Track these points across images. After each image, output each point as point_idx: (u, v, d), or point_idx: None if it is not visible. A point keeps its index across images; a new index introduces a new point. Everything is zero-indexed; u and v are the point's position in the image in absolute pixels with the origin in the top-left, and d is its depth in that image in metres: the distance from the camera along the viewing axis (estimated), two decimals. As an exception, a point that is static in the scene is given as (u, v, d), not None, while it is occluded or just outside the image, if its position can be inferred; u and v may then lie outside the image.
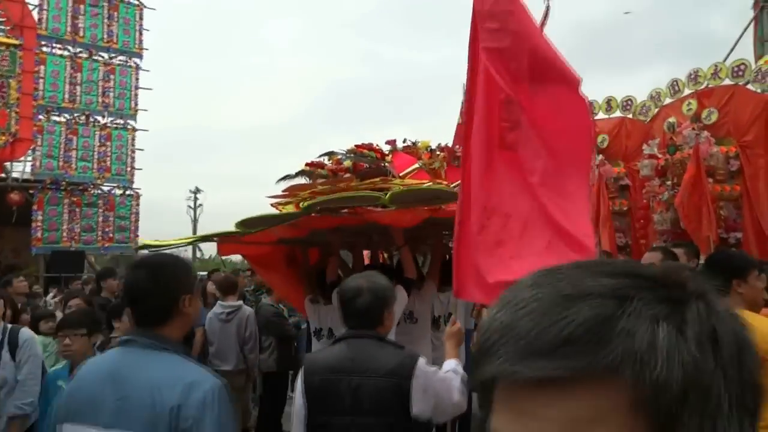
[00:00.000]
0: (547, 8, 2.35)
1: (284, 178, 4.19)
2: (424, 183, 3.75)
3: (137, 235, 16.27)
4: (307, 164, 4.10)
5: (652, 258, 3.24)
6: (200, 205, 33.70)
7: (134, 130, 16.97)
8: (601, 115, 10.45)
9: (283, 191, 4.07)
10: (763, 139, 8.00)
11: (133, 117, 16.94)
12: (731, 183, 8.20)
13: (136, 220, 16.64)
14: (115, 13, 16.93)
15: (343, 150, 4.00)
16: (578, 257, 1.86)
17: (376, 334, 2.26)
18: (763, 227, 7.86)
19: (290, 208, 3.88)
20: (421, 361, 2.20)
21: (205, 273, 12.22)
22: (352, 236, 4.10)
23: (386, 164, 3.92)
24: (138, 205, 16.85)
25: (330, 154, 3.95)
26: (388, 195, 3.19)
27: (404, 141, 4.25)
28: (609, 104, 10.28)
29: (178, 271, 1.83)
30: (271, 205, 4.20)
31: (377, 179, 3.63)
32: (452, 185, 3.59)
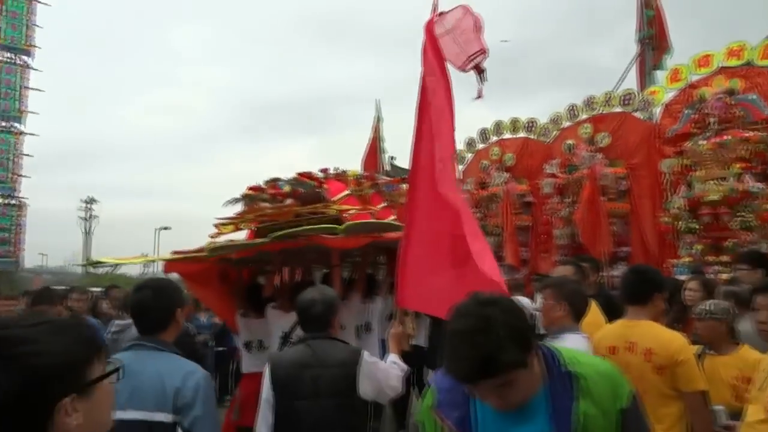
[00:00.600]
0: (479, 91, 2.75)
1: (230, 202, 4.54)
2: (370, 213, 4.36)
3: (21, 249, 14.79)
4: (249, 188, 4.47)
5: (565, 271, 3.41)
6: (95, 216, 31.36)
7: (20, 133, 15.50)
8: (507, 135, 11.02)
9: (236, 214, 4.46)
10: (647, 162, 8.80)
11: (20, 119, 15.47)
12: (621, 201, 8.91)
13: (21, 232, 15.13)
14: (1, 6, 15.46)
15: (287, 177, 4.46)
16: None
17: (329, 334, 2.75)
18: (647, 242, 8.61)
19: (230, 228, 4.36)
20: (365, 354, 2.72)
21: (100, 289, 11.29)
22: (290, 256, 4.50)
23: (322, 191, 4.33)
24: (23, 215, 15.34)
25: (275, 180, 4.41)
26: (343, 227, 3.69)
27: (336, 169, 4.74)
28: (514, 125, 10.86)
29: (174, 290, 2.34)
30: (214, 225, 4.54)
31: (319, 204, 4.14)
32: (391, 218, 4.29)
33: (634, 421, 1.51)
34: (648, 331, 2.72)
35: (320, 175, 4.61)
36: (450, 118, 2.60)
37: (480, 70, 2.65)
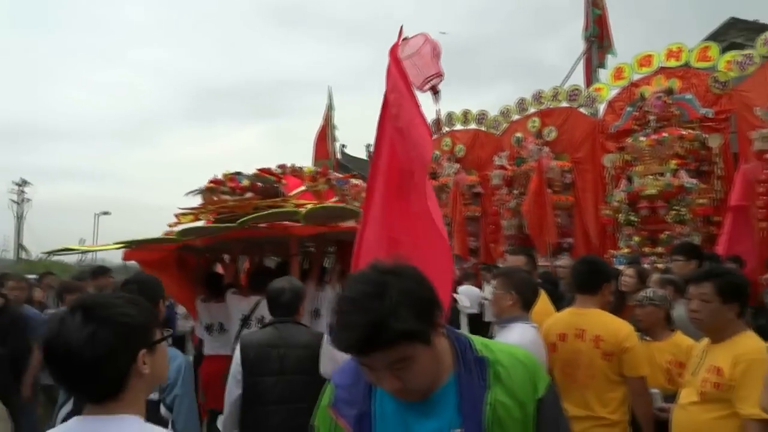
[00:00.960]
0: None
1: (191, 193, 4.78)
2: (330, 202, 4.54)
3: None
4: (210, 181, 4.67)
5: (517, 261, 3.49)
6: (28, 200, 29.45)
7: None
8: (459, 126, 11.15)
9: (199, 204, 4.70)
10: (591, 157, 9.12)
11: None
12: (566, 194, 9.22)
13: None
14: None
15: (248, 173, 4.65)
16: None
17: (295, 319, 3.04)
18: (589, 234, 8.95)
19: (190, 218, 4.56)
20: (327, 337, 2.74)
21: (34, 276, 10.62)
22: (248, 246, 4.84)
23: (280, 186, 4.54)
24: (-54, 197, 14.26)
25: (235, 174, 4.60)
26: (305, 211, 3.79)
27: (292, 165, 4.96)
28: (465, 116, 11.00)
29: (156, 284, 2.60)
30: (175, 215, 4.76)
31: (277, 199, 4.36)
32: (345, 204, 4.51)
33: (551, 412, 1.33)
34: (597, 319, 2.84)
35: (278, 171, 4.80)
36: (424, 129, 2.67)
37: (435, 91, 2.85)
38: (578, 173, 9.20)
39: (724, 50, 8.24)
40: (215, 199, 4.68)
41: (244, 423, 2.86)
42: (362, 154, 24.96)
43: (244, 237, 4.32)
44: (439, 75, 2.83)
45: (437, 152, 11.19)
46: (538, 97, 9.87)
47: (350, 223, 3.97)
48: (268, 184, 4.62)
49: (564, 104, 9.54)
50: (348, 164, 22.56)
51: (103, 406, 1.25)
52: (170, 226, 4.71)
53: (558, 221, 8.94)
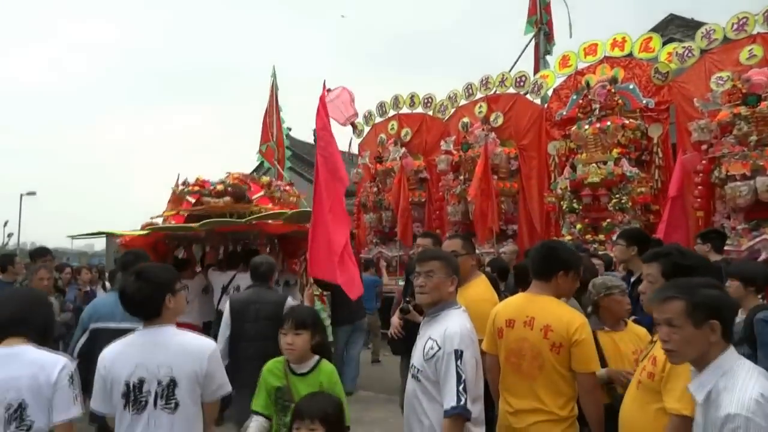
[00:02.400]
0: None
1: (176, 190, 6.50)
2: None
3: None
4: (181, 184, 6.37)
5: (453, 245, 3.29)
6: None
7: None
8: (405, 110, 10.92)
9: (185, 205, 6.24)
10: (536, 144, 9.12)
11: None
12: (511, 180, 9.20)
13: None
14: None
15: (220, 178, 6.37)
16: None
17: (268, 285, 4.32)
18: (534, 221, 8.99)
19: (170, 214, 6.32)
20: (289, 297, 4.33)
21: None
22: (217, 236, 6.67)
23: (245, 190, 6.18)
24: None
25: (219, 182, 6.33)
26: (288, 215, 5.70)
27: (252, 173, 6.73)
28: (412, 100, 10.77)
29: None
30: (162, 214, 6.48)
31: (245, 202, 6.12)
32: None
33: None
34: (547, 307, 2.65)
35: (245, 178, 6.48)
36: (339, 157, 4.32)
37: (354, 126, 5.87)
38: (524, 160, 9.20)
39: (664, 44, 8.40)
40: (188, 198, 6.10)
41: (231, 353, 3.98)
42: (309, 138, 24.39)
43: (230, 230, 6.09)
44: (355, 115, 4.43)
45: (383, 136, 10.94)
46: (485, 82, 9.76)
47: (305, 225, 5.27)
48: (238, 189, 6.13)
49: (511, 90, 9.48)
50: (293, 147, 21.97)
51: (151, 322, 2.32)
52: (152, 218, 6.42)
53: (503, 208, 8.93)
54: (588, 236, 7.63)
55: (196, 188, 6.15)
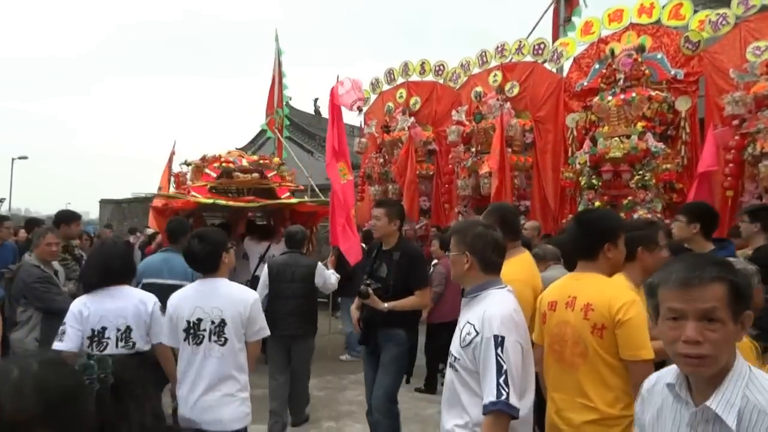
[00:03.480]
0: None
1: (183, 164, 7.75)
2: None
3: None
4: (202, 158, 7.29)
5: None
6: None
7: None
8: (415, 78, 10.40)
9: (218, 180, 6.93)
10: (553, 116, 8.65)
11: None
12: (525, 154, 8.76)
13: None
14: None
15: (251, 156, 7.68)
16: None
17: (301, 251, 4.99)
18: (548, 197, 8.57)
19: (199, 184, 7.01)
20: (320, 263, 5.00)
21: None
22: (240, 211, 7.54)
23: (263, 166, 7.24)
24: None
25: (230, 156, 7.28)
26: (323, 200, 7.33)
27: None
28: (423, 67, 10.24)
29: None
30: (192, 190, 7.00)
31: (264, 178, 7.10)
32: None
33: None
34: (590, 284, 2.27)
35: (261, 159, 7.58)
36: (345, 144, 5.48)
37: (360, 109, 7.11)
38: (539, 133, 8.73)
39: (695, 11, 7.85)
40: (207, 171, 6.94)
41: (268, 311, 3.89)
42: (309, 108, 23.76)
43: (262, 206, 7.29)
44: (361, 99, 5.52)
45: (391, 104, 10.45)
46: (501, 49, 9.23)
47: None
48: (262, 167, 7.20)
49: (528, 59, 8.96)
50: (293, 118, 21.37)
51: (209, 274, 2.81)
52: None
53: (515, 183, 8.50)
54: (607, 214, 7.23)
55: (224, 164, 6.96)
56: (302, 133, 20.92)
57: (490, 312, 1.99)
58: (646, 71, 7.34)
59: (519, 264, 2.88)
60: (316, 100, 25.12)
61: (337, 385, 6.16)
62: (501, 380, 1.88)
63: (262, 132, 23.29)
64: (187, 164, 7.63)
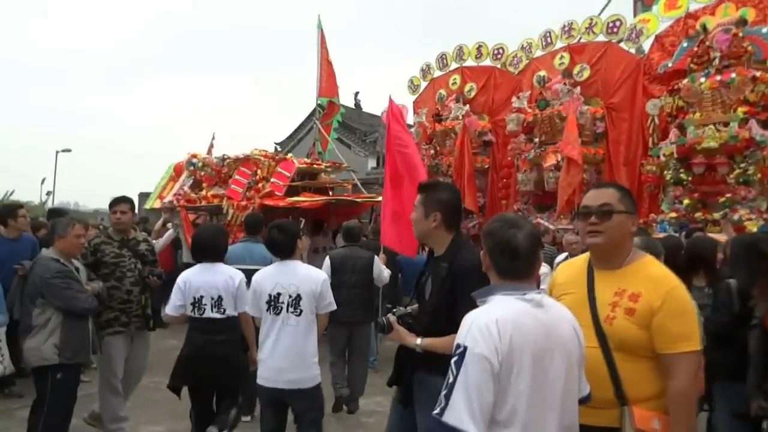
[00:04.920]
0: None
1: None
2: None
3: None
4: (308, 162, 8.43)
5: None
6: None
7: None
8: (470, 63, 9.54)
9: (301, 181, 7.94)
10: (629, 102, 7.65)
11: None
12: (595, 146, 7.79)
13: None
14: None
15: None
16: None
17: (360, 244, 5.30)
18: (621, 194, 7.59)
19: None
20: (376, 257, 5.13)
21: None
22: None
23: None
24: None
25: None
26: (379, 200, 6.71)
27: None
28: (479, 51, 9.38)
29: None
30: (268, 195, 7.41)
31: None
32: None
33: None
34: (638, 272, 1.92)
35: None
36: (418, 158, 5.04)
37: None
38: (612, 121, 7.75)
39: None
40: (280, 170, 7.52)
41: None
42: (349, 102, 23.11)
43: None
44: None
45: (443, 92, 9.62)
46: (568, 29, 8.28)
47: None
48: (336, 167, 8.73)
49: (601, 38, 7.98)
50: (359, 116, 20.82)
51: (286, 257, 3.27)
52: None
53: (584, 177, 7.54)
54: (698, 214, 6.23)
55: (305, 165, 8.00)
56: (342, 128, 20.33)
57: (468, 318, 1.66)
58: (749, 48, 6.28)
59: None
60: (356, 93, 24.51)
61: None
62: (444, 393, 1.56)
63: (301, 127, 22.86)
64: (223, 160, 8.19)
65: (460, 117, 8.83)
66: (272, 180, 7.43)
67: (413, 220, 2.47)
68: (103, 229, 5.32)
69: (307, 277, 3.22)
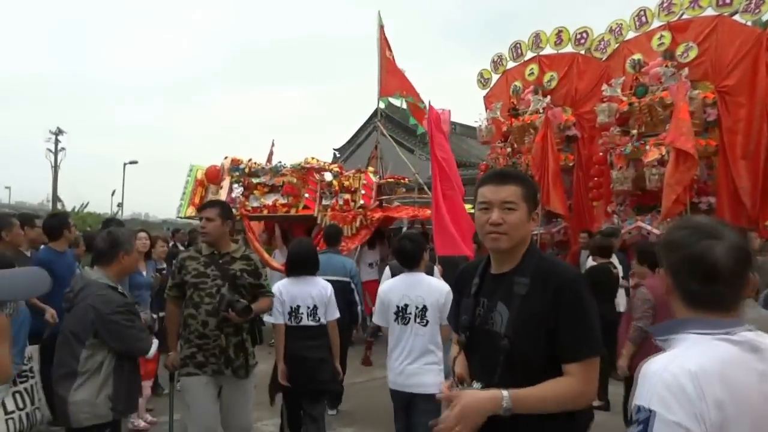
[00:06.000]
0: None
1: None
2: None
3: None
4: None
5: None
6: (62, 149, 27.98)
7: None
8: (548, 50, 8.62)
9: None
10: (747, 84, 6.54)
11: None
12: (705, 137, 6.71)
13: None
14: None
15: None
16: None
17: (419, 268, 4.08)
18: (740, 192, 6.46)
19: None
20: (435, 267, 4.73)
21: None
22: None
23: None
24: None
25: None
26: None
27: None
28: (559, 36, 8.44)
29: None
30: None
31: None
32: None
33: None
34: None
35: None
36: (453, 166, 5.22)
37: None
38: (725, 107, 6.66)
39: None
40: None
41: None
42: (402, 103, 22.35)
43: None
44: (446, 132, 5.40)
45: (518, 83, 8.74)
46: (667, 5, 7.23)
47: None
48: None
49: (709, 12, 6.89)
50: (393, 114, 20.12)
51: (413, 268, 3.38)
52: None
53: (694, 173, 6.48)
54: None
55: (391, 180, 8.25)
56: (403, 131, 19.63)
57: (649, 370, 1.15)
58: None
59: None
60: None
61: None
62: None
63: (360, 132, 22.34)
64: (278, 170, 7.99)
65: (541, 110, 7.93)
66: (362, 192, 7.68)
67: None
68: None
69: (432, 289, 3.33)
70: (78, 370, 2.68)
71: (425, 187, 7.88)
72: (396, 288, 3.39)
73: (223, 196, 7.61)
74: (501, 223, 1.62)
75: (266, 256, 7.35)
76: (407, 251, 3.40)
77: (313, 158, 8.09)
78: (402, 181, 8.50)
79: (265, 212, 7.68)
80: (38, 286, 1.10)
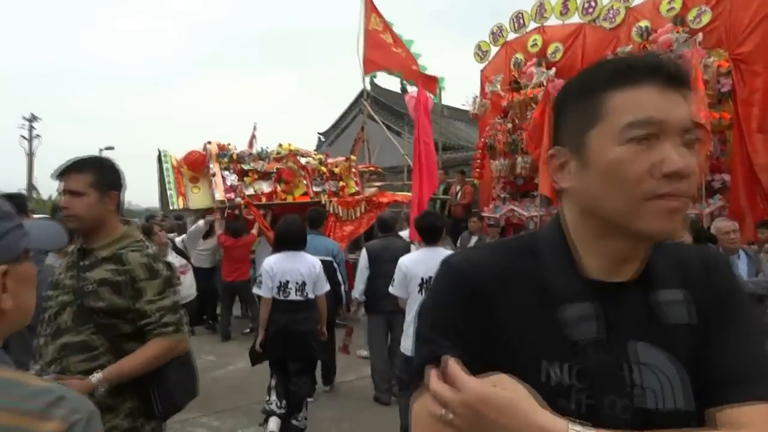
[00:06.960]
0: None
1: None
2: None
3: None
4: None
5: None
6: (38, 136, 27.43)
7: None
8: (553, 20, 8.13)
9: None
10: (765, 52, 6.06)
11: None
12: (719, 109, 6.25)
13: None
14: None
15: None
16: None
17: (395, 234, 5.20)
18: (756, 169, 6.02)
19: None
20: (412, 246, 4.96)
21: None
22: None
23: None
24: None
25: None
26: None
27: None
28: (566, 5, 7.94)
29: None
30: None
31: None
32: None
33: None
34: None
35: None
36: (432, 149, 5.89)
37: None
38: (740, 77, 6.19)
39: None
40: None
41: (368, 288, 4.79)
42: (395, 87, 21.69)
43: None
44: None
45: (520, 55, 8.28)
46: (678, -35, 6.71)
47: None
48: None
49: (722, -27, 6.38)
50: (379, 96, 19.51)
51: (434, 243, 3.68)
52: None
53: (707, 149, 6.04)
54: None
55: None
56: (390, 113, 19.05)
57: None
58: None
59: None
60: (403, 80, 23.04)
61: None
62: None
63: (345, 116, 21.67)
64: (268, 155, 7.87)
65: (545, 83, 7.48)
66: (354, 180, 8.03)
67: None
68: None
69: None
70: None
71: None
72: (420, 261, 3.62)
73: (219, 185, 7.18)
74: (683, 167, 0.70)
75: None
76: (432, 227, 3.67)
77: (289, 144, 7.78)
78: (376, 170, 8.84)
79: (264, 200, 7.29)
80: (60, 238, 1.19)
